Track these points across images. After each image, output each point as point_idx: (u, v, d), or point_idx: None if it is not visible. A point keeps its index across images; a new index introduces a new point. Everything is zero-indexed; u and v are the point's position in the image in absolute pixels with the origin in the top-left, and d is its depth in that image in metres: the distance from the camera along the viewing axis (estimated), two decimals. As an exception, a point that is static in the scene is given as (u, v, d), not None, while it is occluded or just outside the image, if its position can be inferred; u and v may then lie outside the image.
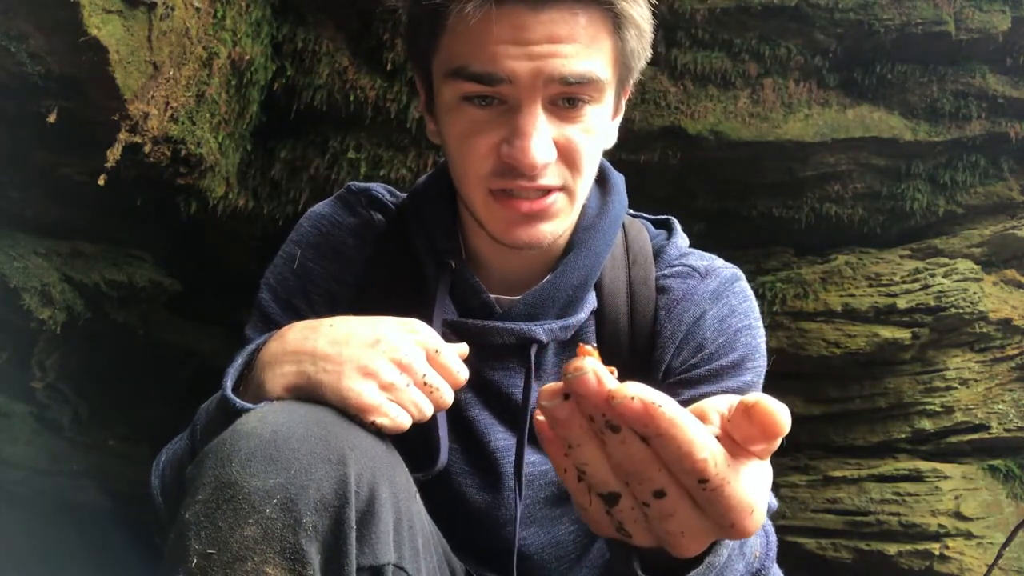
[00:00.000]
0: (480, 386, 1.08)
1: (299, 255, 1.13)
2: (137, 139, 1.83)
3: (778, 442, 0.56)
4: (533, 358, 1.05)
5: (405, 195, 1.19)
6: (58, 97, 1.70)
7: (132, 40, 1.69)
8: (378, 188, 1.19)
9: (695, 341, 1.07)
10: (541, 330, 1.04)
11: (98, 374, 2.81)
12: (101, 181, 1.83)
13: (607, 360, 0.54)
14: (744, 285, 1.13)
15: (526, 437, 1.06)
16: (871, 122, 2.55)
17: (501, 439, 1.09)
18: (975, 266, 2.64)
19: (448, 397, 0.90)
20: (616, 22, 0.94)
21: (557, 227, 0.99)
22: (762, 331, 1.12)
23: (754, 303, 1.13)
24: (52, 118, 1.71)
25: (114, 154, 1.79)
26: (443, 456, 1.02)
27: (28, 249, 2.30)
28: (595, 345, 0.57)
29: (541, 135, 0.92)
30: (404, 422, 0.86)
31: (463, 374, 0.92)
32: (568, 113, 0.95)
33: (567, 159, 0.96)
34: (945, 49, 2.50)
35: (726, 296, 1.10)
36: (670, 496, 0.56)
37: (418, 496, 0.89)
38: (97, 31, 1.59)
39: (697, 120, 2.49)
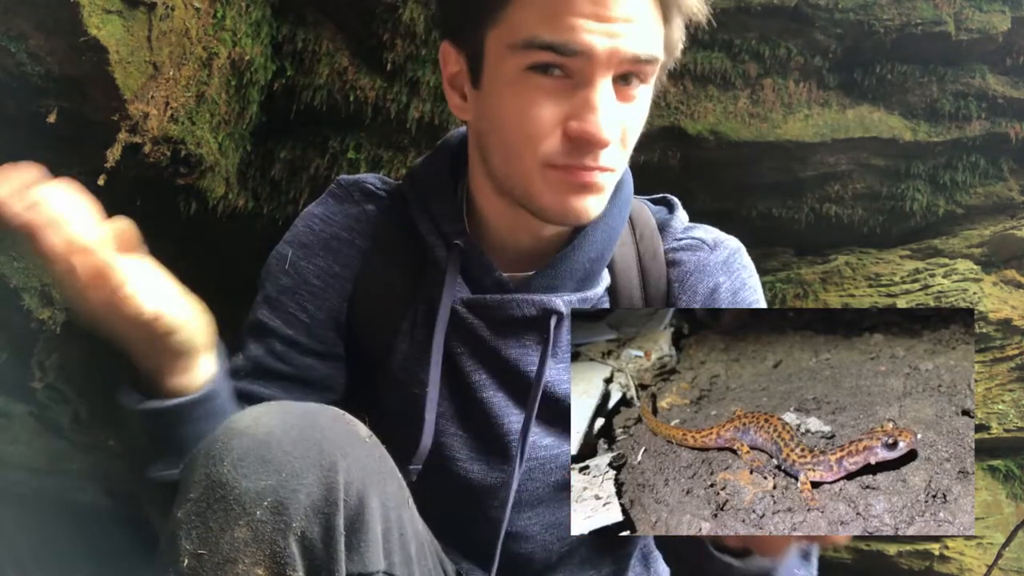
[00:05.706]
0: (496, 365, 1.07)
1: (290, 254, 1.12)
2: (137, 139, 1.83)
3: None
4: (552, 330, 1.04)
5: (399, 182, 1.17)
6: (58, 97, 1.70)
7: (132, 40, 1.69)
8: (369, 179, 1.17)
9: None
10: (561, 301, 1.04)
11: (98, 374, 2.81)
12: (101, 181, 1.83)
13: None
14: (748, 257, 1.19)
15: (534, 414, 1.05)
16: (871, 122, 2.55)
17: (515, 421, 1.07)
18: (975, 266, 2.64)
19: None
20: (666, 14, 0.98)
21: (601, 204, 1.00)
22: (765, 305, 1.18)
23: (757, 275, 1.18)
24: (52, 118, 1.70)
25: (114, 154, 1.78)
26: (427, 440, 1.02)
27: (28, 249, 2.29)
28: None
29: (611, 111, 0.92)
30: None
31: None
32: (624, 91, 0.95)
33: (622, 138, 0.97)
34: (945, 49, 2.49)
35: (737, 269, 1.14)
36: None
37: (411, 502, 0.90)
38: (97, 31, 1.59)
39: (697, 120, 2.48)
